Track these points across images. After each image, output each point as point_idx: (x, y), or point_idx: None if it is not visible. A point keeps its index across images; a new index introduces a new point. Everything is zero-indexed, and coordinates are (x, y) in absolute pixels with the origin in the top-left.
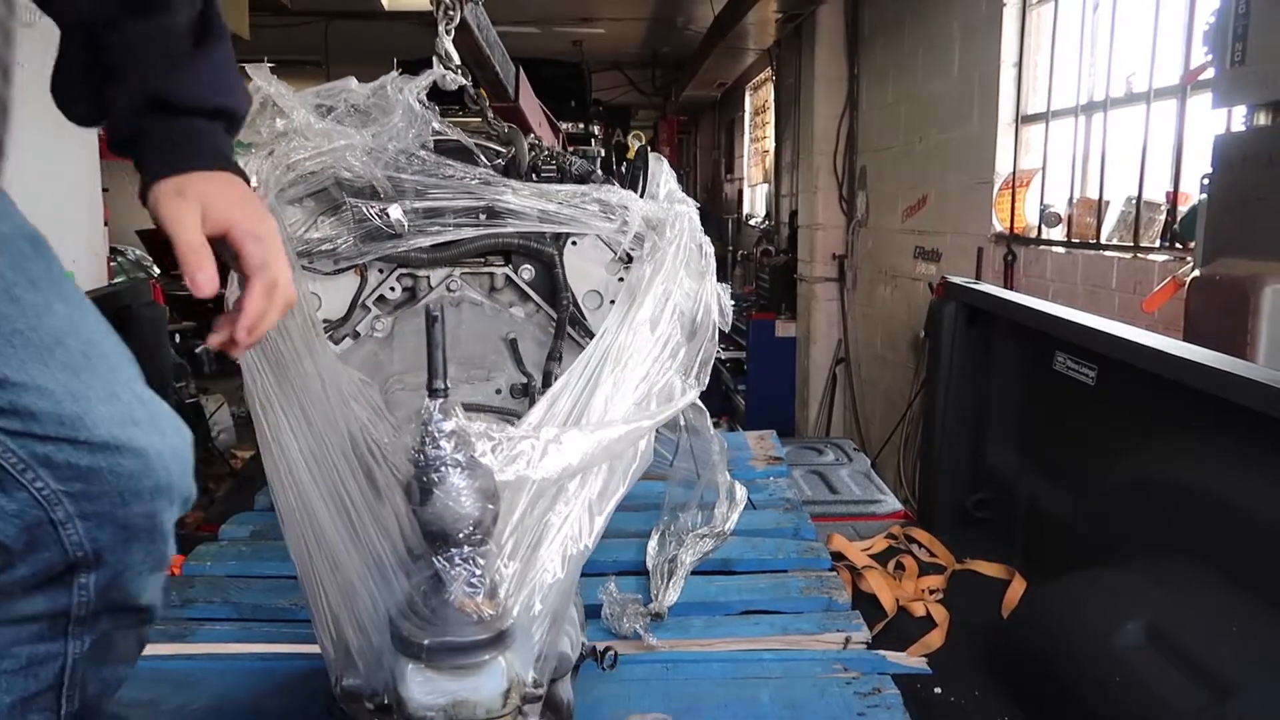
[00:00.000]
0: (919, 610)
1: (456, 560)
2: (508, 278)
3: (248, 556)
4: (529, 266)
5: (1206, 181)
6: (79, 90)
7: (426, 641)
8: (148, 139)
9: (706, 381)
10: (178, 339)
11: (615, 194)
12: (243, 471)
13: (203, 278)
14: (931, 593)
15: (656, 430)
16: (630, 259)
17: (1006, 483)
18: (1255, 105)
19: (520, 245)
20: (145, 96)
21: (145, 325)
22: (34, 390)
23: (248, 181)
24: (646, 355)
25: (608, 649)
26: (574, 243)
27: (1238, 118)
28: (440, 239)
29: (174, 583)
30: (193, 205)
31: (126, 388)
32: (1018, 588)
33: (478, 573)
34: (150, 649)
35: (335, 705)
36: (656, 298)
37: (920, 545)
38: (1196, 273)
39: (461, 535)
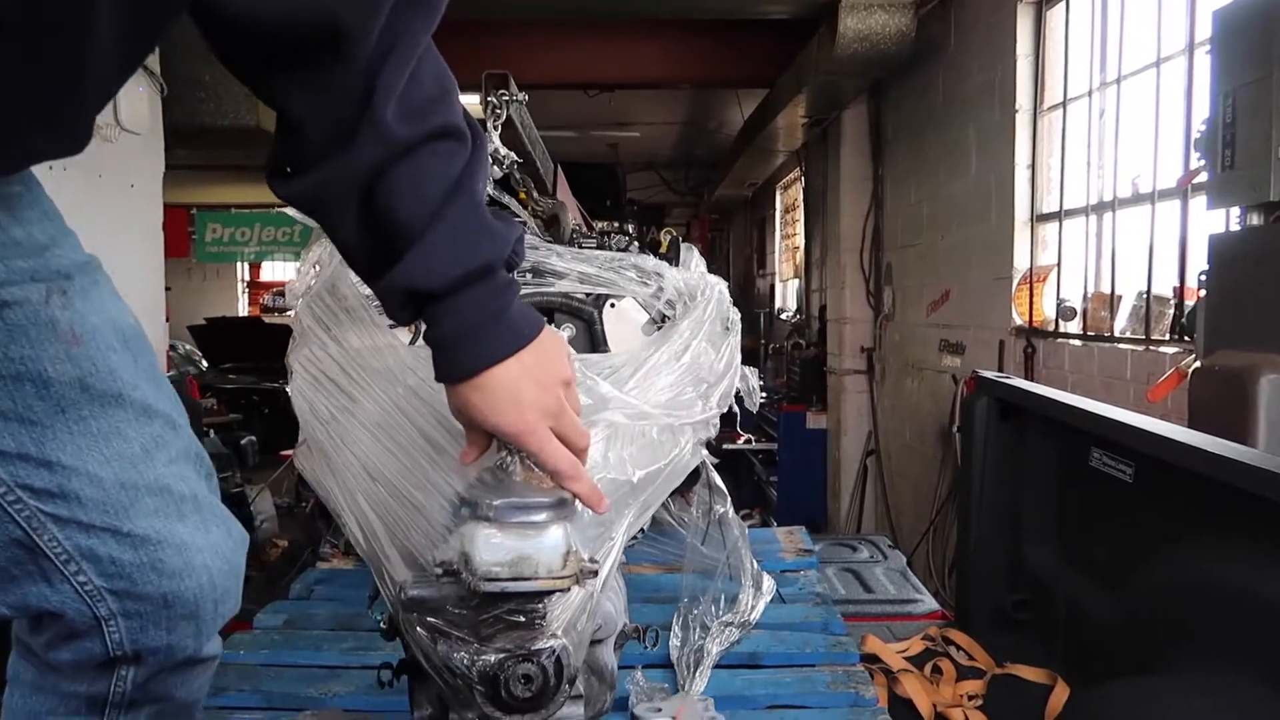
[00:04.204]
0: (957, 717)
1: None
2: None
3: (280, 645)
4: (570, 325)
5: (1204, 278)
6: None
7: (496, 502)
8: (428, 335)
9: (728, 405)
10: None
11: (650, 261)
12: (274, 564)
13: (596, 497)
14: (970, 698)
15: (670, 518)
16: (665, 319)
17: (1046, 583)
18: (1247, 207)
19: (563, 304)
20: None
21: None
22: (84, 476)
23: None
24: (672, 372)
25: (649, 628)
26: (612, 304)
27: (1234, 217)
28: None
29: None
30: (516, 414)
31: (182, 482)
32: (1061, 694)
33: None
34: None
35: (381, 671)
36: (683, 338)
37: (958, 648)
38: (1198, 364)
39: None
